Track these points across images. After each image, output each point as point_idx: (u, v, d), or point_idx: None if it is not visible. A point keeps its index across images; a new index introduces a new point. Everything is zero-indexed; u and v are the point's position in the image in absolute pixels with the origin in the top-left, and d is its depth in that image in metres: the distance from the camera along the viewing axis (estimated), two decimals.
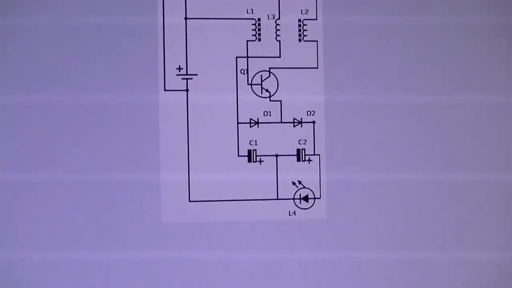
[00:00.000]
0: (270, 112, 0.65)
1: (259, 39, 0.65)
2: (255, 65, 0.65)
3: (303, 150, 0.65)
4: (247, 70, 0.65)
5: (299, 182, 0.65)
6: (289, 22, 0.65)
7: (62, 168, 0.63)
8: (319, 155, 0.65)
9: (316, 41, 0.66)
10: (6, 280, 0.62)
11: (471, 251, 0.66)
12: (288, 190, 0.65)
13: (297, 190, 0.65)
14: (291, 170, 0.65)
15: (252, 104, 0.65)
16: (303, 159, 0.65)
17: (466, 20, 0.66)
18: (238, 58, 0.65)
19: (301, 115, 0.65)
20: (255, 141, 0.65)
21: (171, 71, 0.64)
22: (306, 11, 0.65)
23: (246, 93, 0.65)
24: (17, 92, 0.62)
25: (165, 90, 0.64)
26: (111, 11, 0.63)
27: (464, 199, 0.66)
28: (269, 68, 0.65)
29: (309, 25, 0.65)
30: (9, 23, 0.62)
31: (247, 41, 0.65)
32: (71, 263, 0.63)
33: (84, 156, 0.63)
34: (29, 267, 0.62)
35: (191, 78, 0.64)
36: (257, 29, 0.65)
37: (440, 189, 0.65)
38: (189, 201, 0.64)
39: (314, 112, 0.65)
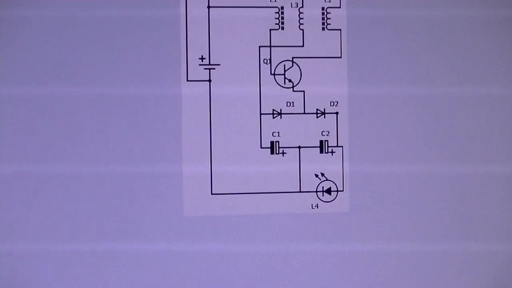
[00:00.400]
0: (293, 102, 0.64)
1: (282, 28, 0.64)
2: (278, 55, 0.64)
3: (326, 142, 0.64)
4: (270, 60, 0.63)
5: (322, 175, 0.64)
6: (312, 10, 0.64)
7: (82, 161, 0.61)
8: (342, 146, 0.64)
9: (340, 30, 0.64)
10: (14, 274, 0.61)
11: (497, 244, 0.65)
12: (310, 183, 0.64)
13: (320, 183, 0.64)
14: (314, 162, 0.64)
15: (275, 95, 0.64)
16: (326, 151, 0.64)
17: (498, 12, 0.65)
18: (261, 48, 0.63)
19: (324, 106, 0.64)
20: (278, 132, 0.64)
21: (194, 61, 0.62)
22: None
23: (269, 83, 0.63)
24: (35, 84, 0.60)
25: (187, 80, 0.62)
26: (132, 7, 0.61)
27: (490, 192, 0.65)
28: (292, 58, 0.64)
29: (333, 13, 0.64)
30: (24, 14, 0.60)
31: (270, 30, 0.63)
32: (91, 257, 0.61)
33: (105, 148, 0.61)
34: (45, 261, 0.61)
35: (214, 68, 0.63)
36: (280, 18, 0.63)
37: (467, 182, 0.65)
38: (211, 194, 0.63)
39: (337, 102, 0.64)
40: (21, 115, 0.61)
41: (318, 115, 0.64)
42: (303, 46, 0.64)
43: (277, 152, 0.64)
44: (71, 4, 0.61)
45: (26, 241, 0.61)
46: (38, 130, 0.61)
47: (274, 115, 0.64)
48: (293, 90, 0.64)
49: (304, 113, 0.64)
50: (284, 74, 0.64)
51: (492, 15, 0.65)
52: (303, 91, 0.64)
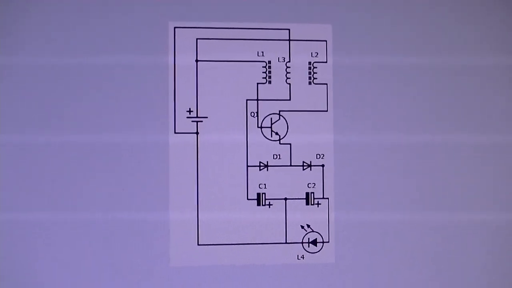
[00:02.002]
0: (279, 155, 0.65)
1: (269, 82, 0.65)
2: (265, 108, 0.65)
3: (312, 194, 0.65)
4: (257, 113, 0.65)
5: (308, 226, 0.65)
6: (299, 64, 0.65)
7: (73, 210, 0.62)
8: (328, 198, 0.65)
9: (326, 84, 0.65)
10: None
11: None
12: (296, 234, 0.65)
13: (306, 234, 0.65)
14: (300, 213, 0.65)
15: (262, 147, 0.65)
16: (312, 203, 0.65)
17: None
18: (248, 101, 0.64)
19: (310, 158, 0.65)
20: (264, 184, 0.64)
21: (181, 114, 0.64)
22: (316, 53, 0.65)
23: (256, 136, 0.64)
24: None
25: (175, 132, 0.64)
26: (123, 52, 0.63)
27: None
28: (279, 111, 0.65)
29: (319, 67, 0.65)
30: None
31: (258, 83, 0.65)
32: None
33: (94, 196, 0.62)
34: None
35: (201, 121, 0.64)
36: (267, 72, 0.65)
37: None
38: (198, 244, 0.64)
39: (324, 155, 0.65)
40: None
41: (305, 167, 0.65)
42: (290, 99, 0.65)
43: (264, 204, 0.64)
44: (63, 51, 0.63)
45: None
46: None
47: (261, 167, 0.65)
48: (279, 143, 0.65)
49: (291, 165, 0.65)
50: (271, 127, 0.65)
51: None
52: (290, 144, 0.65)
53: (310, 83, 0.65)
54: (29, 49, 0.62)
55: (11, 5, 0.62)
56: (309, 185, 0.65)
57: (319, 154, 0.65)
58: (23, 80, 0.62)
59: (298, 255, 0.65)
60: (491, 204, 0.66)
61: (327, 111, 0.65)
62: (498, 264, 0.66)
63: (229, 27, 0.64)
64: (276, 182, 0.65)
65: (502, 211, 0.66)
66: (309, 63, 0.65)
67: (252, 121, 0.65)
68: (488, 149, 0.66)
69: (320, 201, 0.65)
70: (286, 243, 0.65)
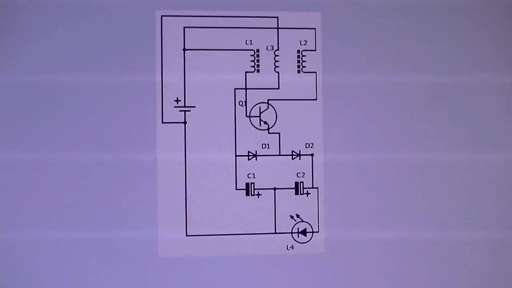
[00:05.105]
0: (268, 144, 0.64)
1: (258, 71, 0.64)
2: (254, 97, 0.64)
3: (301, 183, 0.64)
4: (245, 102, 0.64)
5: (297, 216, 0.64)
6: (288, 53, 0.65)
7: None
8: (317, 188, 0.64)
9: (315, 72, 0.65)
10: None
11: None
12: (286, 224, 0.64)
13: (295, 224, 0.64)
14: (289, 203, 0.64)
15: (250, 137, 0.64)
16: (301, 192, 0.64)
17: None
18: (236, 90, 0.64)
19: (299, 147, 0.65)
20: (253, 174, 0.64)
21: (169, 103, 0.63)
22: (305, 42, 0.65)
23: (244, 125, 0.64)
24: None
25: (162, 122, 0.63)
26: (109, 41, 0.62)
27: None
28: (268, 100, 0.64)
29: (308, 56, 0.65)
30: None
31: (246, 72, 0.64)
32: None
33: (83, 190, 0.62)
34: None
35: (189, 110, 0.63)
36: (255, 60, 0.64)
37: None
38: (186, 235, 0.63)
39: (313, 144, 0.64)
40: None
41: (294, 156, 0.65)
42: (278, 88, 0.64)
43: (253, 194, 0.64)
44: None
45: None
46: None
47: (250, 157, 0.64)
48: (268, 132, 0.64)
49: (280, 154, 0.64)
50: (259, 116, 0.64)
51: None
52: (279, 133, 0.64)
53: (299, 71, 0.65)
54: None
55: None
56: (298, 175, 0.65)
57: (308, 143, 0.65)
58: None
59: (287, 245, 0.64)
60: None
61: (316, 99, 0.65)
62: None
63: (217, 15, 0.64)
64: (265, 172, 0.64)
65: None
66: (298, 51, 0.65)
67: (241, 110, 0.64)
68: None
69: (309, 190, 0.65)
70: (275, 233, 0.64)
